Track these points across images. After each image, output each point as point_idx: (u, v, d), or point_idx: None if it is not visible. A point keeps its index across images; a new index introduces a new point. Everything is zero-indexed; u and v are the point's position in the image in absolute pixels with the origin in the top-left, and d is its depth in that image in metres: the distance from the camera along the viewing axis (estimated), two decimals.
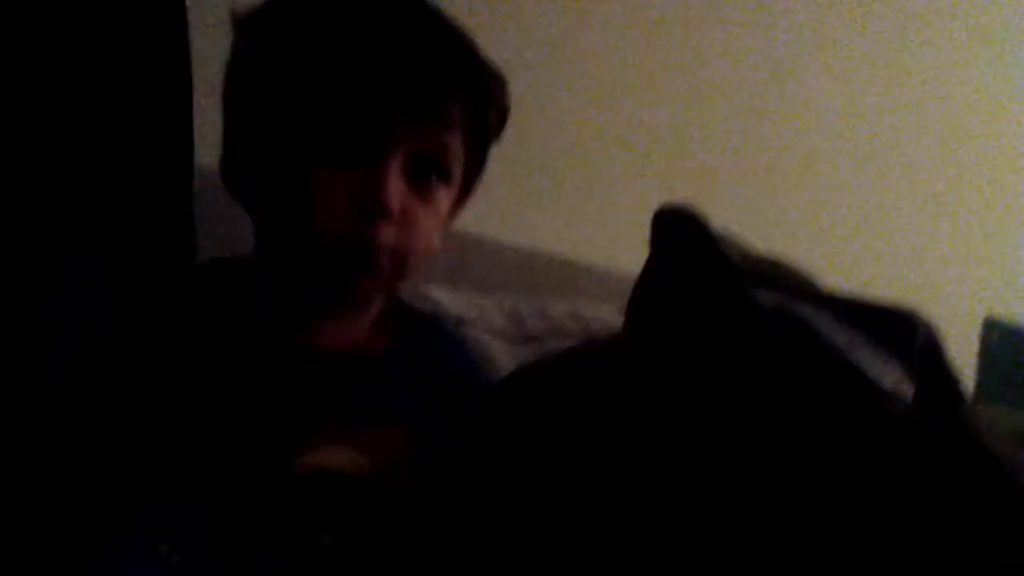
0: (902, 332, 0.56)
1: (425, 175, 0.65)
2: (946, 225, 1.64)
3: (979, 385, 1.34)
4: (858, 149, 1.61)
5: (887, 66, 1.62)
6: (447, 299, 1.04)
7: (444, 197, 0.67)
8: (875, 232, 1.60)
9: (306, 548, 0.59)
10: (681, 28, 1.45)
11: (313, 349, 0.66)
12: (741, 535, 0.51)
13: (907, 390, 0.56)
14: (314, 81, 0.62)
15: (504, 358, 1.00)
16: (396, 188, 0.62)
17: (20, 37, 0.70)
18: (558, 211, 1.36)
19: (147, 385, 0.60)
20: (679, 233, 0.53)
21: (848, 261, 1.50)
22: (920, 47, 1.64)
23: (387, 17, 0.63)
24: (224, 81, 0.66)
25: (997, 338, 1.35)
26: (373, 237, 0.62)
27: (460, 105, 0.65)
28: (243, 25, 0.66)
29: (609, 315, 1.11)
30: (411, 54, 0.62)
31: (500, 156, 1.28)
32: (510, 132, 1.22)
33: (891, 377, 0.55)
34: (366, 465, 0.63)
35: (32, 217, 0.72)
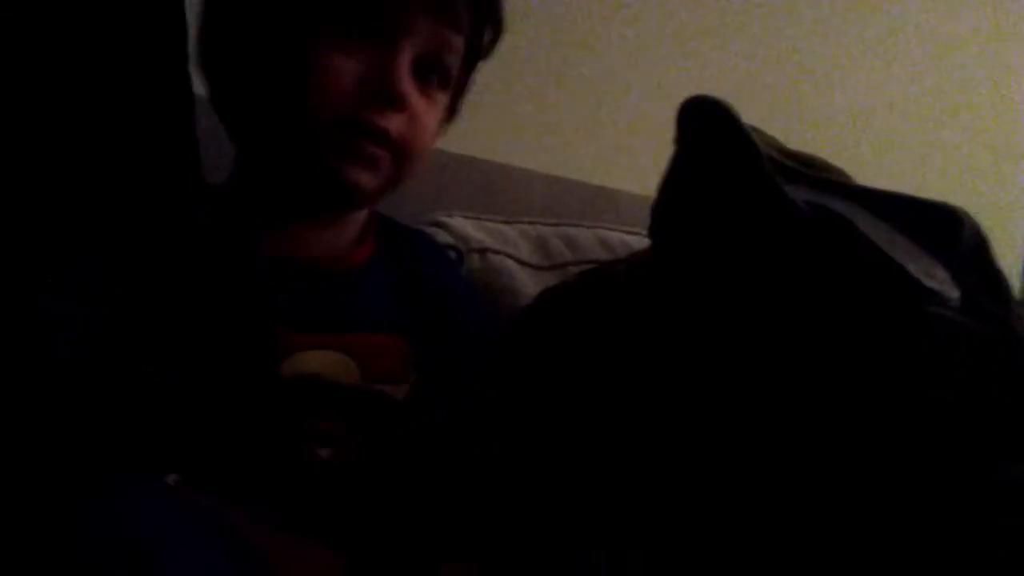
0: (946, 230, 0.52)
1: (428, 75, 0.63)
2: (987, 172, 1.58)
3: None
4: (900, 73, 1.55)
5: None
6: (472, 229, 1.01)
7: (441, 102, 0.65)
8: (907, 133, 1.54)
9: (303, 463, 0.57)
10: None
11: (295, 259, 0.64)
12: (783, 438, 0.48)
13: (952, 291, 0.53)
14: None
15: (531, 286, 0.98)
16: (407, 77, 0.60)
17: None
18: (584, 137, 1.32)
19: (147, 385, 0.58)
20: (706, 124, 0.49)
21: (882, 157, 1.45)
22: None
23: None
24: None
25: None
26: (379, 123, 0.59)
27: (468, 9, 0.63)
28: None
29: (637, 241, 1.08)
30: None
31: (525, 83, 1.25)
32: (535, 59, 1.19)
33: (935, 277, 0.52)
34: (356, 370, 0.61)
35: (32, 216, 0.71)
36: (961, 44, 1.58)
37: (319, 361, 0.59)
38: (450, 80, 0.65)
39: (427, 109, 0.63)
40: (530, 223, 1.07)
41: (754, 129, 0.51)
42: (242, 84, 0.63)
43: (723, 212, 0.49)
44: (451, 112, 0.70)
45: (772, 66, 1.46)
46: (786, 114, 1.43)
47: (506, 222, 1.05)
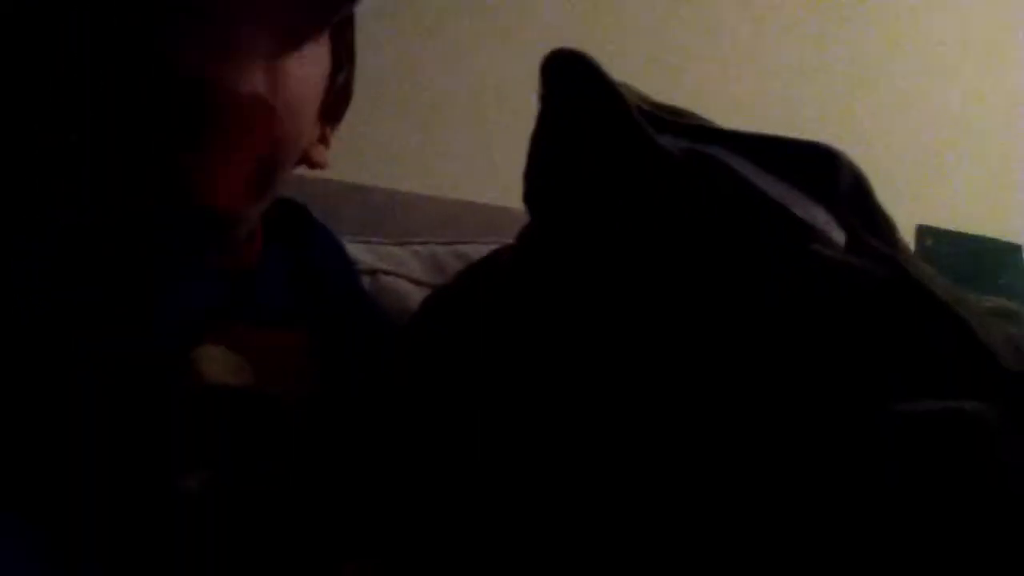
0: (824, 171, 0.51)
1: None
2: (879, 141, 1.63)
3: None
4: (797, 55, 1.58)
5: None
6: (361, 253, 0.98)
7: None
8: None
9: (162, 496, 0.47)
10: None
11: None
12: (690, 411, 0.46)
13: (837, 233, 0.52)
14: None
15: (419, 300, 0.95)
16: None
17: None
18: (473, 157, 1.30)
19: None
20: (569, 77, 0.47)
21: None
22: None
23: None
24: None
25: (932, 243, 1.33)
26: None
27: None
28: None
29: None
30: None
31: (405, 104, 1.23)
32: (414, 84, 1.17)
33: (817, 220, 0.51)
34: (247, 370, 0.53)
35: None
36: None
37: (200, 360, 0.50)
38: None
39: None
40: (421, 243, 1.04)
41: (622, 84, 0.49)
42: None
43: (594, 167, 0.47)
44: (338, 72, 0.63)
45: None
46: None
47: (397, 244, 1.02)
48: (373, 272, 0.95)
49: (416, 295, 0.96)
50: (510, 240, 1.09)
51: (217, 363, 0.51)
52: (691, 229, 0.46)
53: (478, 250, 1.07)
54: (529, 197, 0.51)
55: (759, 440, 0.43)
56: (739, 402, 0.44)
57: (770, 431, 0.43)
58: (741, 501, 0.43)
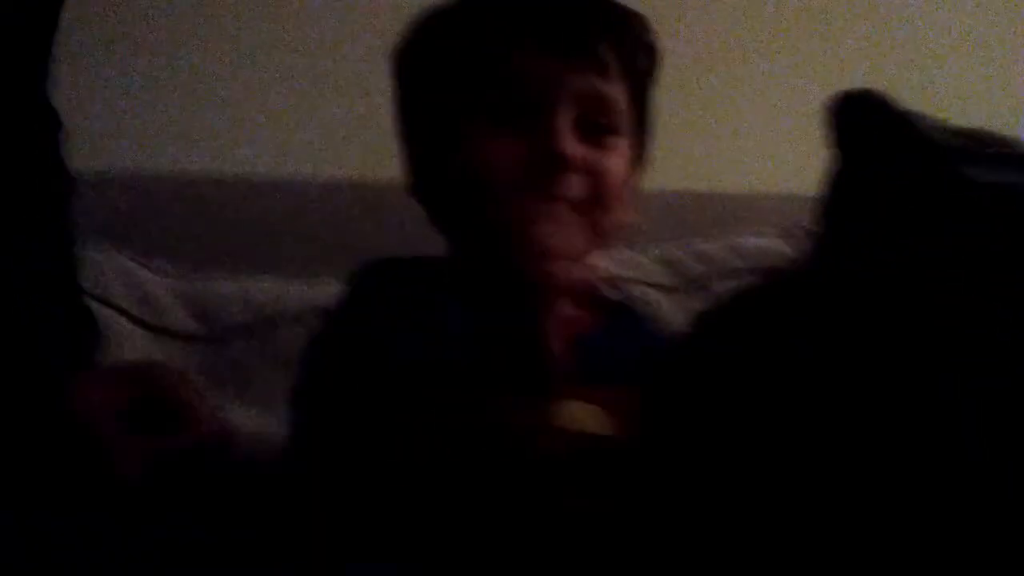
0: None
1: (595, 133, 0.64)
2: None
3: None
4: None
5: None
6: (599, 258, 0.99)
7: (622, 146, 0.66)
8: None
9: (553, 512, 0.57)
10: None
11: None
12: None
13: None
14: (466, 44, 0.63)
15: (669, 309, 0.95)
16: (569, 137, 0.61)
17: None
18: (694, 146, 1.28)
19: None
20: (867, 117, 0.46)
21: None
22: None
23: None
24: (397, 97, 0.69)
25: None
26: (557, 188, 0.60)
27: (612, 50, 0.64)
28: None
29: (772, 242, 1.04)
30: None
31: None
32: None
33: None
34: (609, 424, 0.60)
35: None
36: None
37: (579, 416, 0.60)
38: (620, 125, 0.65)
39: (608, 160, 0.64)
40: (654, 244, 1.04)
41: (916, 115, 0.48)
42: (434, 184, 0.67)
43: (903, 208, 0.46)
44: (641, 148, 0.70)
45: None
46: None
47: (630, 247, 1.03)
48: (616, 280, 0.96)
49: (659, 300, 0.98)
50: (736, 232, 1.08)
51: (583, 417, 0.60)
52: (1007, 276, 0.44)
53: (711, 246, 1.07)
54: (823, 233, 0.50)
55: None
56: None
57: None
58: None
